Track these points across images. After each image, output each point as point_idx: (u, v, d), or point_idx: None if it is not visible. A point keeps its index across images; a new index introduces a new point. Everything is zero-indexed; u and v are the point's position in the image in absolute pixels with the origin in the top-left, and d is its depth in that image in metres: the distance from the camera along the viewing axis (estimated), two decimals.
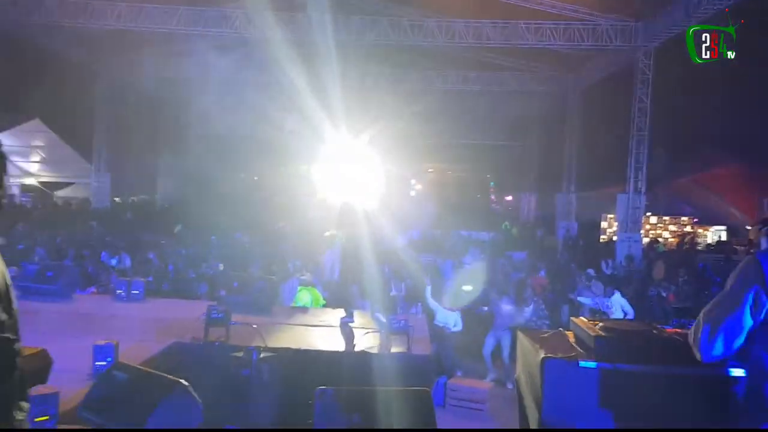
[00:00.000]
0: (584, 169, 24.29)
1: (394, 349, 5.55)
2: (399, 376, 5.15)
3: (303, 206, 32.44)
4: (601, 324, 3.44)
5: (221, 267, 12.19)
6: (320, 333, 6.23)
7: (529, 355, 3.53)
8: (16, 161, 27.40)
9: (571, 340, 3.55)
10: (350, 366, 5.32)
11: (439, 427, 3.51)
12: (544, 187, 28.60)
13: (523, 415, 3.67)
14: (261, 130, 29.06)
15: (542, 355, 3.25)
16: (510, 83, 24.50)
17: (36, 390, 3.43)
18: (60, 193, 30.03)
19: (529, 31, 18.04)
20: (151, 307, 7.06)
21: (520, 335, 3.81)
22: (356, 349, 5.51)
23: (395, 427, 3.41)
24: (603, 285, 10.31)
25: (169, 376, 3.52)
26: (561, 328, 3.86)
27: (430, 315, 9.01)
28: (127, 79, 25.22)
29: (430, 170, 50.18)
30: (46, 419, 3.40)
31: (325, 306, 8.55)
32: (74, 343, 5.26)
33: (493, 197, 43.59)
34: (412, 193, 48.68)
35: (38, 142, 26.58)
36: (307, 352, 5.45)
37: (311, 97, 27.69)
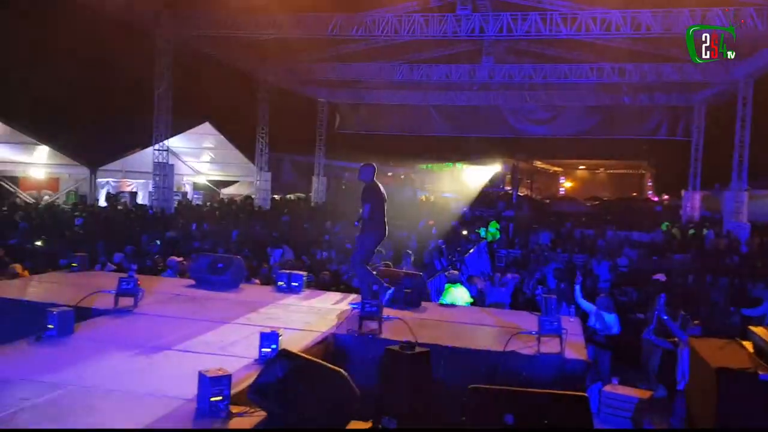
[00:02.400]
0: (758, 165, 22.17)
1: (545, 351, 5.39)
2: (551, 379, 5.00)
3: (448, 203, 32.63)
4: None
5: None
6: (468, 331, 6.21)
7: (702, 366, 3.28)
8: (189, 161, 30.10)
9: (750, 350, 3.25)
10: (501, 366, 5.25)
11: None
12: (710, 185, 26.59)
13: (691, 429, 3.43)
14: (409, 129, 29.66)
15: (717, 366, 3.01)
16: (670, 74, 22.86)
17: (211, 372, 3.74)
18: (226, 190, 32.58)
19: (694, 17, 16.73)
20: (309, 298, 7.40)
21: (692, 344, 3.55)
22: (507, 349, 5.42)
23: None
24: None
25: (329, 365, 3.68)
26: (737, 338, 3.55)
27: (584, 316, 8.59)
28: (284, 84, 26.82)
29: (581, 167, 48.16)
30: (220, 399, 3.69)
31: (472, 304, 8.50)
32: (241, 329, 5.69)
33: (651, 195, 41.07)
34: (561, 191, 47.00)
35: (208, 144, 29.02)
36: (457, 349, 5.45)
37: (460, 95, 27.76)
